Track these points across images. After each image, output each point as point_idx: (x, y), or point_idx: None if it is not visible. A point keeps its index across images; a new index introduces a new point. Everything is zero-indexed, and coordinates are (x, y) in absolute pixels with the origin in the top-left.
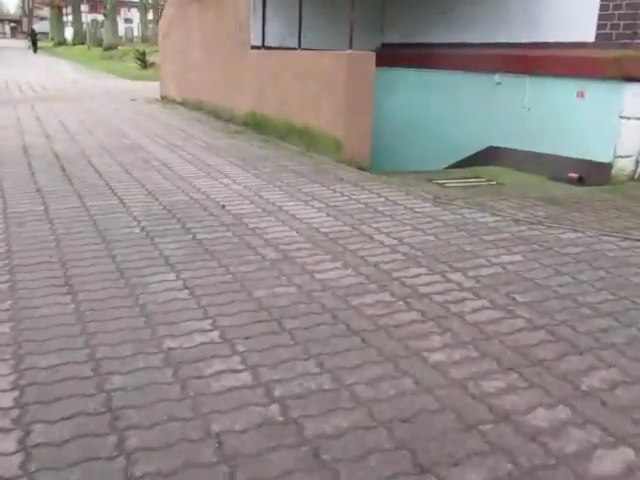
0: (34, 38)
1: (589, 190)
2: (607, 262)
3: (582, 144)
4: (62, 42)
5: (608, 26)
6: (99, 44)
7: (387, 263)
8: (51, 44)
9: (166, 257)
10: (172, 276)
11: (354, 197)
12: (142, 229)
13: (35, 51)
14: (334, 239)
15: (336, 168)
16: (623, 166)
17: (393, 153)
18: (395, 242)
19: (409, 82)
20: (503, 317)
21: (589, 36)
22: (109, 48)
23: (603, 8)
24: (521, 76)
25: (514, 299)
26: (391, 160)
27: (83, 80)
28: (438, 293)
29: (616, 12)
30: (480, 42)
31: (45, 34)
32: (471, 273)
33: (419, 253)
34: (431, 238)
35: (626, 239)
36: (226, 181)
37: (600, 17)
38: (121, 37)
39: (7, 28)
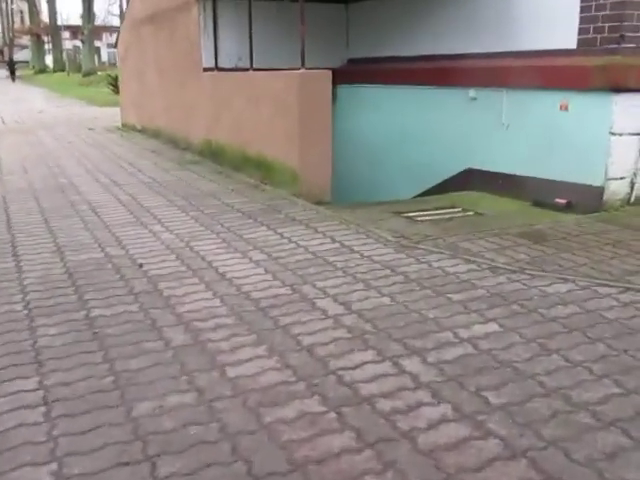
0: (12, 67)
1: (579, 220)
2: (606, 329)
3: (568, 165)
4: (43, 70)
5: (591, 30)
6: (79, 70)
7: (325, 345)
8: (32, 72)
9: (38, 350)
10: (32, 383)
11: (303, 244)
12: (26, 305)
13: (13, 80)
14: (265, 309)
15: (290, 204)
16: (616, 189)
17: (361, 180)
18: (341, 310)
19: (377, 100)
20: (469, 437)
21: (570, 42)
22: (88, 74)
23: (585, 10)
24: (497, 90)
25: (486, 401)
26: (358, 188)
27: (49, 109)
28: (384, 396)
29: (599, 13)
30: (452, 53)
31: (27, 62)
32: (432, 357)
33: (368, 326)
34: (386, 301)
35: (627, 290)
36: (157, 228)
37: (582, 20)
38: (104, 62)
39: None
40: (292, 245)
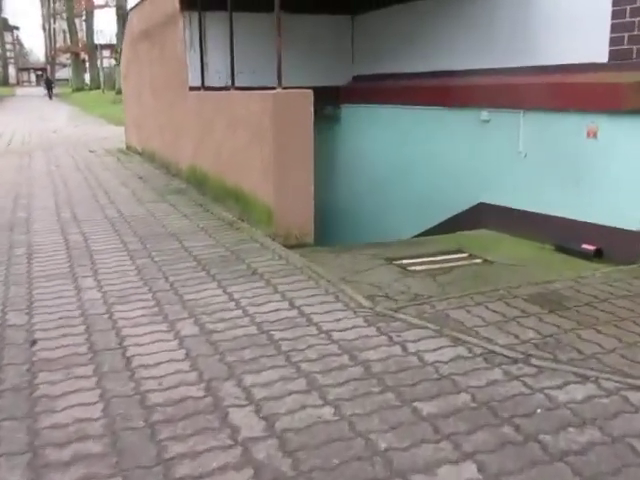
0: (49, 85)
1: (609, 275)
2: None
3: (598, 203)
4: (80, 88)
5: (625, 39)
6: (114, 88)
7: None
8: (70, 90)
9: None
10: None
11: (251, 311)
12: None
13: (50, 97)
14: (155, 426)
15: (260, 250)
16: None
17: (361, 212)
18: (259, 430)
19: (382, 122)
20: None
21: (600, 55)
22: (120, 92)
23: (617, 15)
24: (513, 111)
25: None
26: (359, 222)
27: (65, 129)
28: None
29: (636, 19)
30: (463, 69)
31: (67, 80)
32: None
33: (286, 466)
34: (328, 414)
35: None
36: (87, 284)
37: (614, 28)
38: None
39: (32, 76)
40: (237, 312)
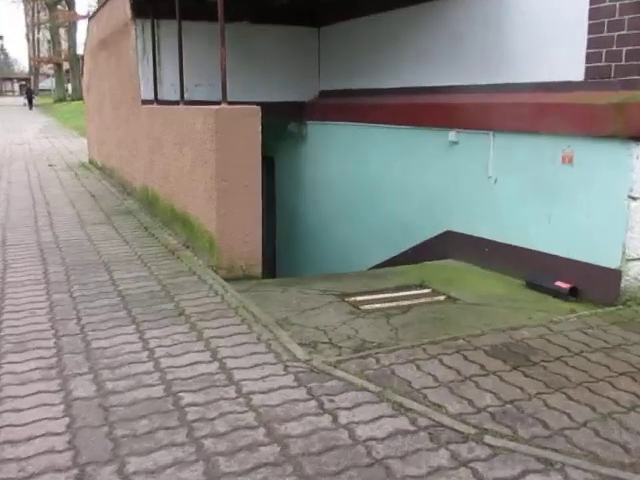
0: (29, 96)
1: (585, 320)
2: None
3: (573, 237)
4: (62, 98)
5: (603, 56)
6: None
7: None
8: (51, 100)
9: None
10: None
11: (164, 364)
12: None
13: (30, 108)
14: None
15: (197, 284)
16: (638, 274)
17: (327, 238)
18: None
19: (349, 141)
20: None
21: (576, 72)
22: None
23: (594, 29)
24: (483, 133)
25: None
26: (321, 251)
27: (34, 141)
28: None
29: (615, 34)
30: (433, 86)
31: (50, 91)
32: None
33: None
34: None
35: None
36: None
37: (590, 43)
38: None
39: (16, 86)
40: (148, 366)
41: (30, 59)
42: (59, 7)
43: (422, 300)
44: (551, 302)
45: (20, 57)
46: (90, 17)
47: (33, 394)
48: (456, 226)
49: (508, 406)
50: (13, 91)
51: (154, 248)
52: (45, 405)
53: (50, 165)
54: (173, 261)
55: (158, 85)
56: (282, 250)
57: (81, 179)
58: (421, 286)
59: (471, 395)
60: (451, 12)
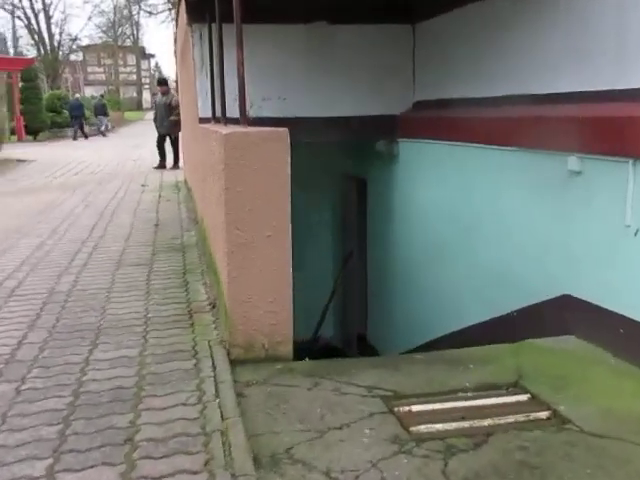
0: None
1: None
2: None
3: None
4: None
5: None
6: None
7: None
8: None
9: None
10: None
11: None
12: None
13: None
14: None
15: (188, 376)
16: None
17: (407, 286)
18: None
19: (445, 165)
20: None
21: None
22: None
23: None
24: (618, 160)
25: None
26: (406, 301)
27: (147, 157)
28: None
29: None
30: (551, 93)
31: None
32: None
33: None
34: None
35: None
36: None
37: None
38: None
39: None
40: None
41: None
42: None
43: (512, 418)
44: None
45: (171, 74)
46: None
47: None
48: (578, 290)
49: None
50: None
51: (173, 306)
52: None
53: (143, 185)
54: (182, 330)
55: (219, 100)
56: (374, 292)
57: (161, 203)
58: (516, 386)
59: None
60: None
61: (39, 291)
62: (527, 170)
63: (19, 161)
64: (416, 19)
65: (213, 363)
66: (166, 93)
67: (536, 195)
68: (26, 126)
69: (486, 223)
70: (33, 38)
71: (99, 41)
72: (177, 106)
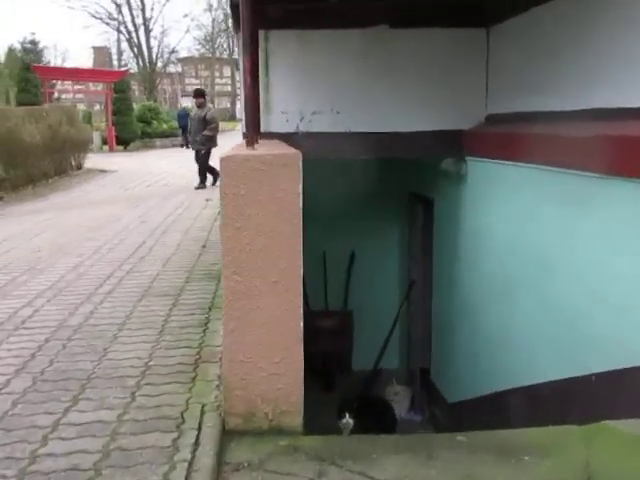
0: None
1: None
2: None
3: None
4: None
5: None
6: None
7: None
8: None
9: None
10: None
11: None
12: None
13: None
14: None
15: (158, 459)
16: None
17: (472, 324)
18: None
19: (508, 187)
20: None
21: None
22: None
23: None
24: None
25: None
26: (467, 339)
27: None
28: None
29: None
30: (632, 107)
31: None
32: None
33: None
34: None
35: None
36: None
37: None
38: None
39: None
40: None
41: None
42: None
43: None
44: None
45: None
46: None
47: None
48: None
49: None
50: None
51: (182, 352)
52: None
53: (207, 200)
54: (179, 387)
55: (265, 113)
56: (438, 326)
57: (218, 220)
58: None
59: None
60: None
61: (48, 324)
62: (607, 201)
63: (101, 171)
64: (491, 21)
65: (197, 439)
66: (202, 106)
67: (619, 234)
68: (117, 136)
69: (557, 264)
70: (133, 51)
71: (196, 53)
72: (213, 120)
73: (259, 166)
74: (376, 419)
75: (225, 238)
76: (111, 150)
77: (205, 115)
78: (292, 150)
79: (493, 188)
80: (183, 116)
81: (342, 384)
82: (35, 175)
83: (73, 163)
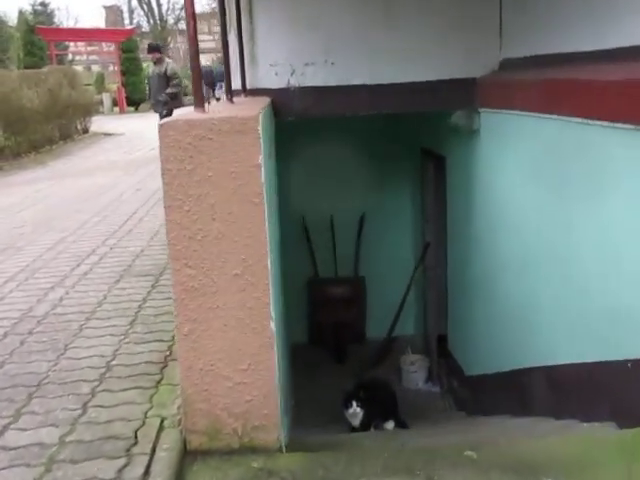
0: None
1: None
2: None
3: None
4: None
5: None
6: None
7: None
8: None
9: None
10: None
11: None
12: None
13: None
14: None
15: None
16: None
17: (487, 296)
18: None
19: (539, 147)
20: None
21: None
22: None
23: None
24: None
25: None
26: (482, 310)
27: None
28: None
29: None
30: None
31: None
32: None
33: None
34: None
35: None
36: None
37: None
38: None
39: None
40: None
41: None
42: None
43: None
44: None
45: None
46: None
47: None
48: None
49: None
50: None
51: (151, 347)
52: None
53: None
54: (139, 394)
55: (250, 67)
56: (454, 293)
57: None
58: None
59: None
60: None
61: (11, 315)
62: None
63: (106, 135)
64: None
65: (148, 468)
66: (160, 62)
67: None
68: (128, 98)
69: (585, 237)
70: (142, 8)
71: (208, 9)
72: (175, 75)
73: (206, 134)
74: (379, 402)
75: (171, 224)
76: (122, 112)
77: (165, 71)
78: (251, 112)
79: (510, 145)
80: (207, 73)
81: (357, 353)
82: (38, 141)
83: (79, 127)
